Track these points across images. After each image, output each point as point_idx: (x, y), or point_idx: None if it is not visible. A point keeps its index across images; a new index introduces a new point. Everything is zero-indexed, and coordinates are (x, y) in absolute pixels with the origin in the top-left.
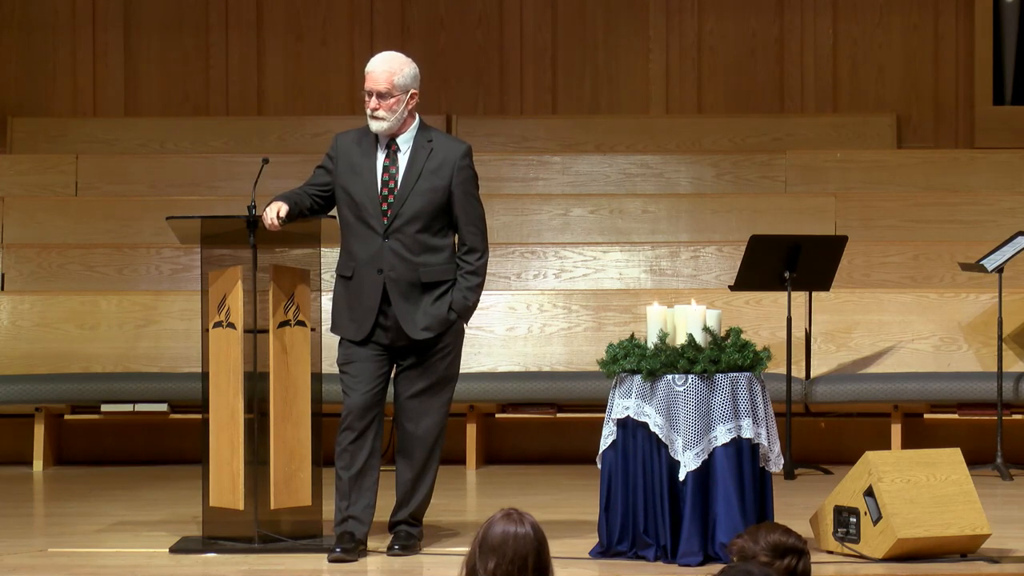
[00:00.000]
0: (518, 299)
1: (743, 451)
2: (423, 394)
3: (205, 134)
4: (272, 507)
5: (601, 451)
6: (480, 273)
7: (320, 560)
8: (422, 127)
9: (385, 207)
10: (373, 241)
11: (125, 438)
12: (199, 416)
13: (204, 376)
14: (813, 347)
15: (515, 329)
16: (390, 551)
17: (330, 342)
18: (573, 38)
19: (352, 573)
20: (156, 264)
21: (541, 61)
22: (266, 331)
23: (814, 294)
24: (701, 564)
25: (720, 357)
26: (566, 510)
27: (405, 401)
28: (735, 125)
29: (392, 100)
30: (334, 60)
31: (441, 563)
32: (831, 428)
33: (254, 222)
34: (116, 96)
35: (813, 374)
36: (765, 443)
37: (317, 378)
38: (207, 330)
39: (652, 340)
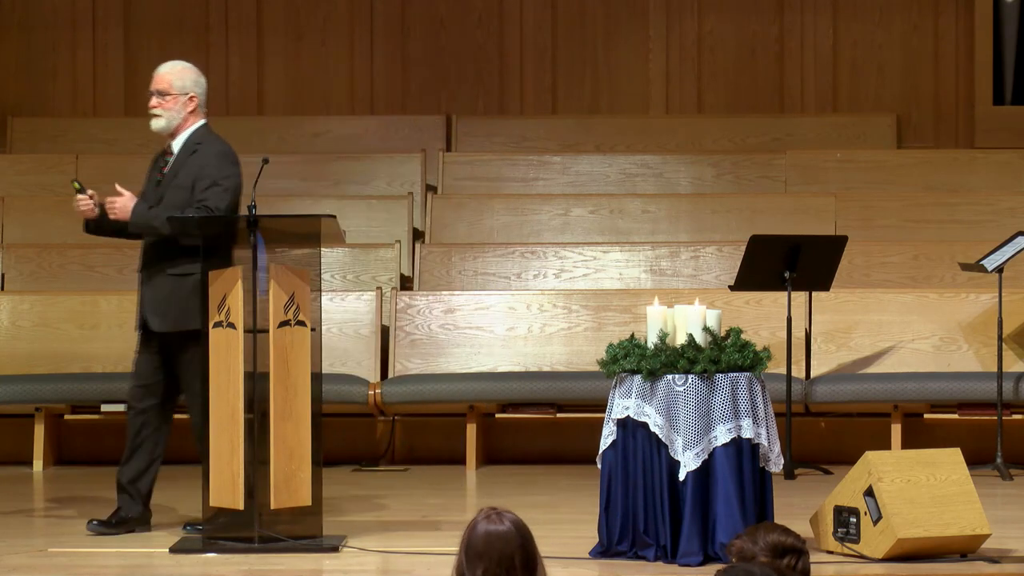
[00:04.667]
0: (518, 299)
1: (743, 451)
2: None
3: None
4: (272, 507)
5: (601, 451)
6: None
7: (320, 560)
8: (198, 131)
9: (151, 207)
10: (144, 241)
11: (125, 438)
12: None
13: (204, 376)
14: (813, 347)
15: (515, 329)
16: None
17: (329, 342)
18: (573, 38)
19: (350, 572)
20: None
21: (541, 61)
22: (266, 331)
23: (814, 294)
24: (701, 564)
25: (720, 357)
26: (566, 510)
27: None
28: (735, 125)
29: (169, 99)
30: (334, 60)
31: (441, 563)
32: (831, 428)
33: (254, 222)
34: (116, 96)
35: (813, 374)
36: (765, 443)
37: (317, 378)
38: (207, 330)
39: (652, 340)
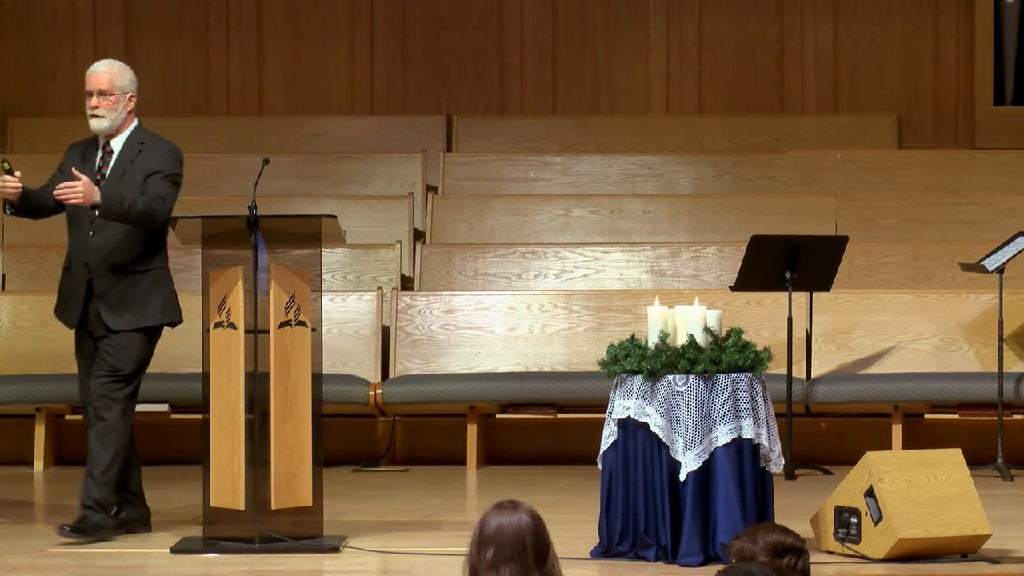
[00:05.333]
0: (519, 299)
1: (744, 451)
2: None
3: (205, 134)
4: (273, 507)
5: (602, 451)
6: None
7: (320, 560)
8: (137, 131)
9: (92, 206)
10: (82, 237)
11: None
12: (200, 416)
13: (205, 376)
14: (814, 347)
15: (516, 329)
16: None
17: (329, 342)
18: (573, 38)
19: (350, 572)
20: None
21: (541, 61)
22: (267, 331)
23: (815, 294)
24: (702, 564)
25: (721, 357)
26: (566, 510)
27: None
28: (735, 125)
29: (112, 99)
30: (334, 60)
31: (441, 563)
32: (832, 428)
33: (255, 222)
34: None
35: (814, 374)
36: (766, 443)
37: (318, 378)
38: (208, 330)
39: (653, 340)
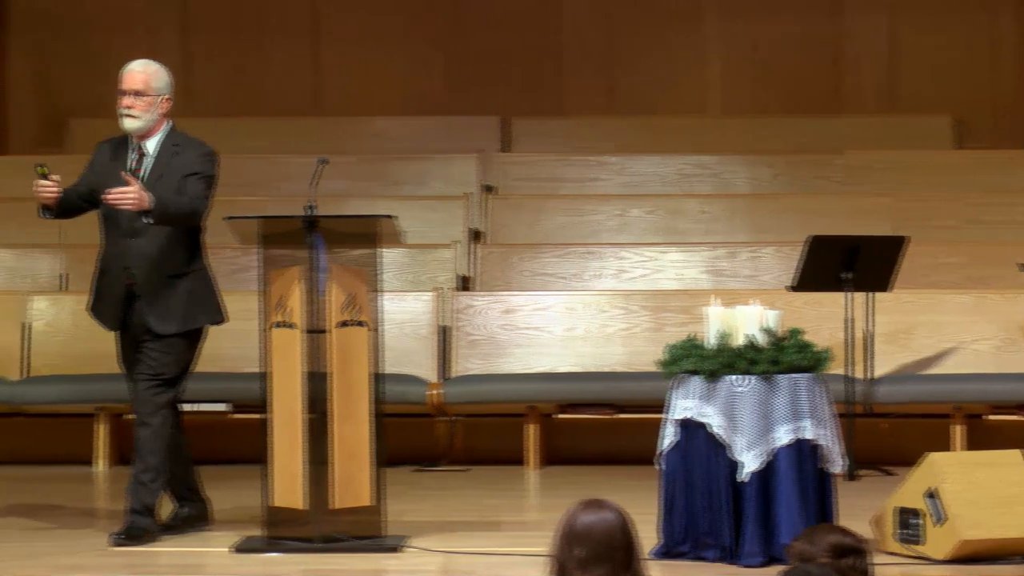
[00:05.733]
0: (576, 299)
1: (804, 452)
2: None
3: (262, 135)
4: (333, 507)
5: (661, 452)
6: (191, 211)
7: (381, 560)
8: (171, 132)
9: (141, 211)
10: (121, 240)
11: (186, 438)
12: (260, 416)
13: (265, 376)
14: (874, 348)
15: (574, 329)
16: None
17: (389, 342)
18: (630, 38)
19: (411, 572)
20: (215, 264)
21: (598, 61)
22: (326, 331)
23: (874, 294)
24: (763, 565)
25: (780, 358)
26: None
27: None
28: (791, 126)
29: (146, 100)
30: (391, 60)
31: (501, 563)
32: (892, 429)
33: (313, 222)
34: (174, 97)
35: (874, 375)
36: (826, 444)
37: (377, 378)
38: (267, 330)
39: (712, 341)
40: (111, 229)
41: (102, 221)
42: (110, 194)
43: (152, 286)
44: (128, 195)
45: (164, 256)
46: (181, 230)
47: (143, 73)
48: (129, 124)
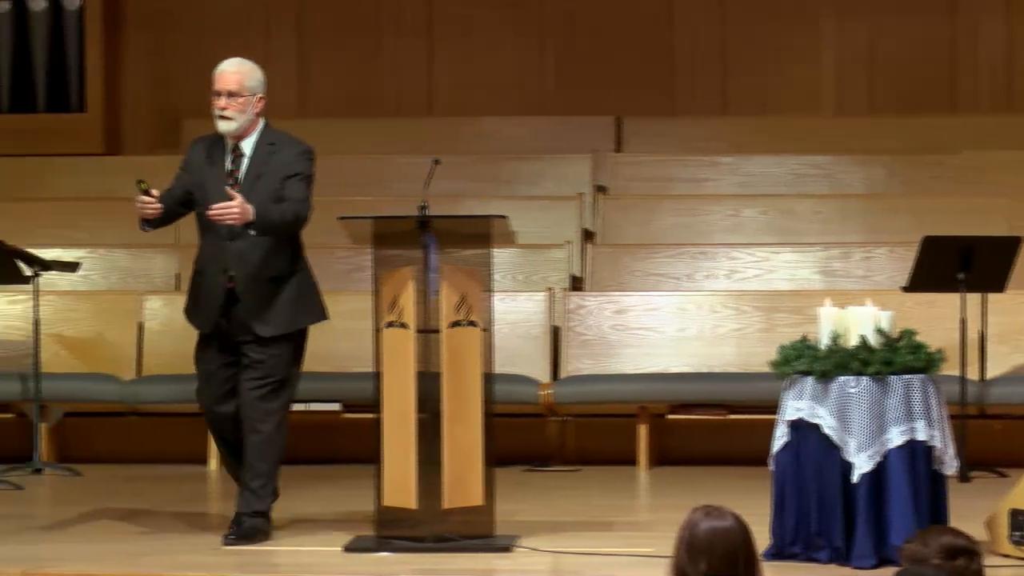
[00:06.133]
0: (689, 300)
1: (917, 453)
2: (261, 390)
3: (375, 135)
4: (444, 507)
5: (773, 453)
6: (295, 219)
7: (492, 560)
8: (266, 131)
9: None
10: (219, 242)
11: (298, 438)
12: (371, 416)
13: (376, 376)
14: (987, 349)
15: (686, 330)
16: None
17: (500, 342)
18: (743, 38)
19: (522, 572)
20: (328, 264)
21: (711, 61)
22: (438, 331)
23: (988, 295)
24: (875, 567)
25: (893, 359)
26: (737, 511)
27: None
28: (907, 125)
29: (241, 100)
30: (503, 60)
31: (612, 564)
32: (1006, 431)
33: (426, 222)
34: (288, 98)
35: (988, 376)
36: (939, 445)
37: (489, 378)
38: (379, 330)
39: (824, 341)
40: (209, 231)
41: (199, 222)
42: (213, 210)
43: (254, 289)
44: (232, 210)
45: (266, 259)
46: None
47: (236, 73)
48: (224, 126)
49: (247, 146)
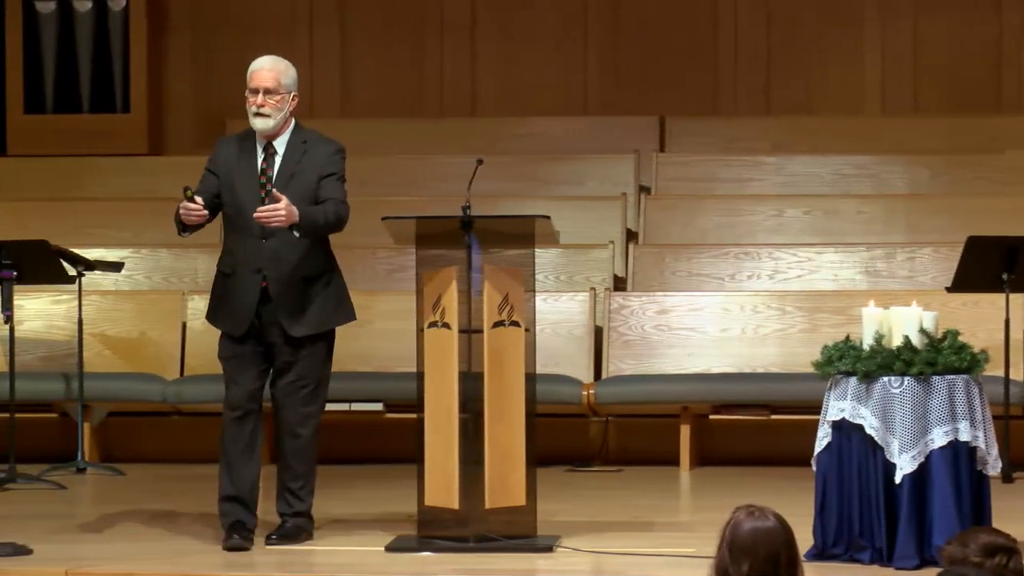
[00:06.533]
0: (731, 300)
1: (960, 454)
2: (299, 393)
3: (418, 135)
4: (486, 507)
5: (816, 453)
6: (337, 219)
7: (533, 560)
8: (297, 129)
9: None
10: (252, 242)
11: (340, 438)
12: (414, 416)
13: (419, 376)
14: None
15: (728, 330)
16: None
17: (542, 342)
18: (787, 38)
19: (564, 572)
20: (371, 264)
21: (754, 61)
22: (480, 331)
23: None
24: (917, 568)
25: (937, 359)
26: (780, 512)
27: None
28: (951, 125)
29: (278, 98)
30: (546, 61)
31: (653, 564)
32: None
33: (469, 222)
34: (332, 98)
35: None
36: (982, 446)
37: (531, 378)
38: (422, 330)
39: (867, 342)
40: (239, 231)
41: (228, 223)
42: (260, 212)
43: (287, 289)
44: (278, 213)
45: (301, 259)
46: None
47: (272, 70)
48: (262, 124)
49: (280, 145)
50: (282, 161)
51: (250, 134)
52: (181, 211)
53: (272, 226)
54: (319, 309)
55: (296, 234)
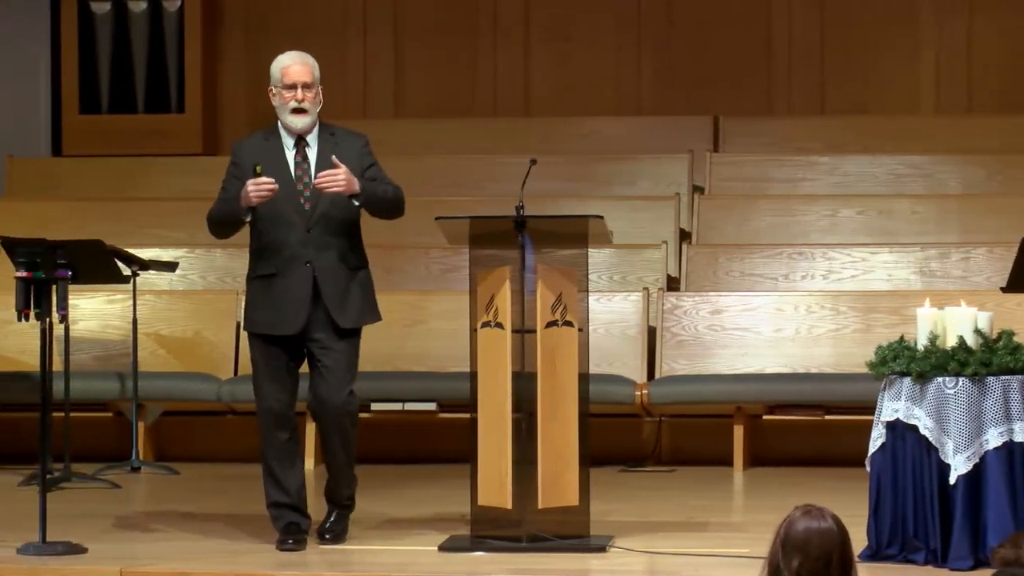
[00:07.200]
0: (785, 300)
1: (1015, 455)
2: (343, 385)
3: (472, 135)
4: (539, 507)
5: (870, 454)
6: (396, 196)
7: (587, 560)
8: (323, 124)
9: (302, 201)
10: (296, 235)
11: (394, 437)
12: (467, 415)
13: (472, 376)
14: None
15: (782, 330)
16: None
17: (596, 342)
18: (841, 38)
19: (617, 573)
20: (424, 264)
21: (809, 61)
22: (534, 331)
23: None
24: (972, 569)
25: (991, 359)
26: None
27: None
28: (1005, 125)
29: (314, 91)
30: (600, 60)
31: (707, 564)
32: None
33: (522, 222)
34: (385, 98)
35: None
36: None
37: (584, 378)
38: (475, 330)
39: (922, 342)
40: (282, 225)
41: (269, 221)
42: (320, 177)
43: (335, 277)
44: (338, 178)
45: (344, 249)
46: (353, 223)
47: (307, 65)
48: (302, 120)
49: (311, 139)
50: (318, 153)
51: (272, 132)
52: (251, 189)
53: (332, 191)
54: (359, 303)
55: (356, 204)
